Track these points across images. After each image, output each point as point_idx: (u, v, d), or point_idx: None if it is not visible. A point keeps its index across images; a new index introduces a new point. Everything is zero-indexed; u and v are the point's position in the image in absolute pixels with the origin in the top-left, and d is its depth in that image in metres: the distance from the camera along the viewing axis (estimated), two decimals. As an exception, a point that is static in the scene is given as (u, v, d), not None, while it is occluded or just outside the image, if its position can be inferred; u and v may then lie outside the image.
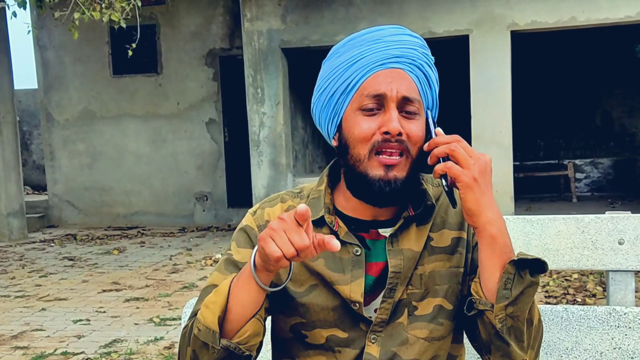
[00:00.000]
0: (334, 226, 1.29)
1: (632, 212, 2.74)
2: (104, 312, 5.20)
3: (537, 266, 1.17)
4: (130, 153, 10.12)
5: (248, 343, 1.18)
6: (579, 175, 11.11)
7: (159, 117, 9.95)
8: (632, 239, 2.68)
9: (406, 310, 1.27)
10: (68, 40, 9.50)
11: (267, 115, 8.17)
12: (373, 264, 1.28)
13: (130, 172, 10.14)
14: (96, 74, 10.10)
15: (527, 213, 8.40)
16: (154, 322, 4.84)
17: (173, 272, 6.56)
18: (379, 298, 1.27)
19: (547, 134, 11.32)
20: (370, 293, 1.27)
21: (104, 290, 5.91)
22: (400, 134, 1.20)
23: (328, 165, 1.37)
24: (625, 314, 1.46)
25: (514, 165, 8.54)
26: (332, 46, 1.37)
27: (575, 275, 5.55)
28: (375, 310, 1.27)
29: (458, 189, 1.18)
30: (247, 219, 1.36)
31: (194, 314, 1.27)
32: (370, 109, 1.22)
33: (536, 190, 10.70)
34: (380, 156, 1.21)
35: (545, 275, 5.65)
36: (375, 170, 1.21)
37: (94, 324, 4.88)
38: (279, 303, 1.30)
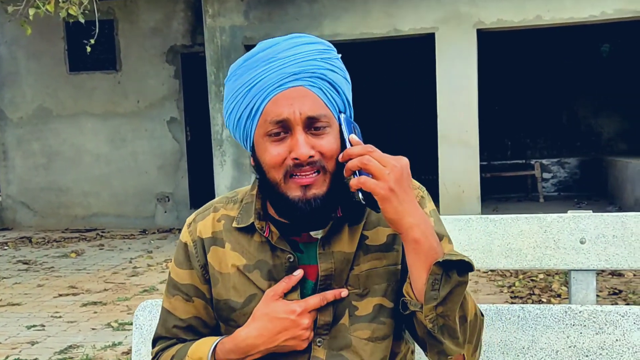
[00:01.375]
0: (264, 232, 1.30)
1: (596, 212, 2.80)
2: (60, 317, 5.14)
3: (464, 266, 1.16)
4: (88, 153, 10.00)
5: None
6: (546, 175, 11.29)
7: (118, 116, 9.85)
8: (593, 238, 2.74)
9: (347, 311, 1.28)
10: (21, 35, 9.36)
11: (230, 114, 8.13)
12: (307, 267, 1.29)
13: (88, 172, 10.02)
14: (52, 71, 9.96)
15: (494, 214, 8.51)
16: (112, 326, 4.80)
17: (133, 275, 6.51)
18: None
19: (514, 134, 11.48)
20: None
21: (60, 295, 5.83)
22: (312, 156, 1.20)
23: (255, 181, 1.37)
24: (580, 312, 1.50)
25: (481, 165, 8.64)
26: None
27: (541, 276, 5.64)
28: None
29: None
30: (184, 232, 1.39)
31: (157, 342, 1.40)
32: (277, 133, 1.21)
33: (503, 190, 10.85)
34: (296, 178, 1.21)
35: (511, 275, 5.73)
36: (294, 192, 1.21)
37: (49, 330, 4.82)
38: (224, 317, 1.34)
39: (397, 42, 8.26)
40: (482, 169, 8.89)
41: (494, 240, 2.84)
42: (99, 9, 6.71)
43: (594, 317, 1.49)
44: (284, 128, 1.21)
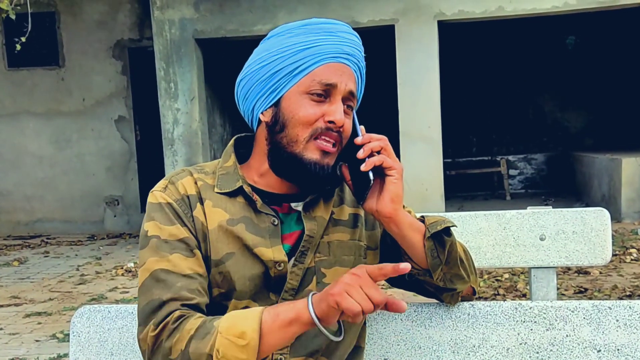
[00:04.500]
0: (252, 196, 1.40)
1: (565, 208, 2.86)
2: (1, 329, 5.07)
3: (448, 228, 1.40)
4: (31, 154, 9.85)
5: None
6: (512, 172, 11.46)
7: (62, 115, 9.72)
8: (553, 234, 2.80)
9: (314, 278, 1.39)
10: (-45, 29, 9.19)
11: (182, 112, 8.11)
12: (286, 235, 1.41)
13: (31, 175, 9.88)
14: (-12, 67, 9.80)
15: (458, 212, 8.61)
16: (58, 338, 4.75)
17: (80, 284, 6.45)
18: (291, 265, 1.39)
19: (480, 130, 11.62)
20: None
21: (1, 306, 5.75)
22: (341, 126, 1.35)
23: (230, 143, 1.49)
24: (530, 308, 1.55)
25: (446, 163, 8.75)
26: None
27: (506, 275, 5.73)
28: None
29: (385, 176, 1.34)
30: (159, 197, 1.40)
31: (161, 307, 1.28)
32: (319, 94, 1.34)
33: (469, 188, 10.97)
34: (319, 141, 1.35)
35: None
36: (312, 154, 1.34)
37: (-11, 343, 4.76)
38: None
39: (356, 34, 8.31)
40: (447, 166, 9.00)
41: (453, 238, 2.89)
42: (37, 0, 6.59)
43: (544, 313, 1.54)
44: (326, 93, 1.35)
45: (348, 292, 1.16)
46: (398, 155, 7.81)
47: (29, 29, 6.60)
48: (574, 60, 11.11)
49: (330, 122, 1.33)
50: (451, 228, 1.41)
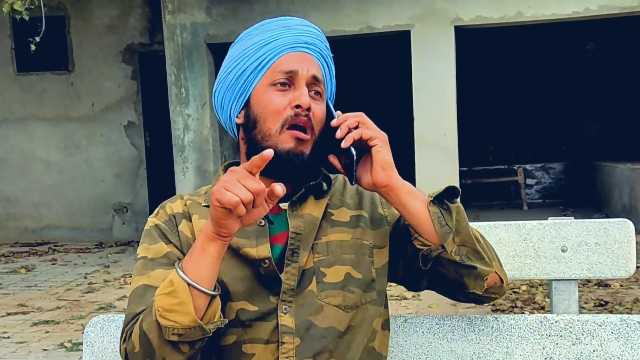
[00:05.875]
0: None
1: (585, 219, 2.84)
2: (8, 337, 5.09)
3: (452, 192, 1.40)
4: (39, 160, 9.90)
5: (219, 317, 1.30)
6: (529, 181, 11.41)
7: (71, 120, 9.77)
8: (575, 246, 2.78)
9: (314, 278, 1.40)
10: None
11: (192, 118, 8.12)
12: (278, 235, 1.43)
13: (39, 181, 9.92)
14: (-3, 71, 9.86)
15: (475, 222, 8.57)
16: (66, 347, 4.76)
17: (88, 292, 6.47)
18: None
19: (496, 138, 11.58)
20: (280, 262, 1.40)
21: (9, 314, 5.78)
22: (309, 109, 1.39)
23: (221, 167, 1.57)
24: (556, 322, 1.53)
25: (462, 171, 8.71)
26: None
27: (524, 287, 5.70)
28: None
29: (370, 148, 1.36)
30: (150, 222, 1.50)
31: (133, 322, 1.35)
32: (283, 83, 1.40)
33: (485, 197, 10.93)
34: (291, 130, 1.38)
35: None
36: (285, 144, 1.38)
37: (-4, 352, 4.77)
38: None
39: (370, 39, 8.32)
40: (462, 175, 8.97)
41: (472, 249, 2.87)
42: (47, 4, 6.62)
43: (571, 327, 1.53)
44: (290, 81, 1.40)
45: (225, 187, 1.17)
46: (413, 162, 7.81)
47: (43, 29, 6.60)
48: (594, 66, 11.06)
49: (297, 106, 1.38)
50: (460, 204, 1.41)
